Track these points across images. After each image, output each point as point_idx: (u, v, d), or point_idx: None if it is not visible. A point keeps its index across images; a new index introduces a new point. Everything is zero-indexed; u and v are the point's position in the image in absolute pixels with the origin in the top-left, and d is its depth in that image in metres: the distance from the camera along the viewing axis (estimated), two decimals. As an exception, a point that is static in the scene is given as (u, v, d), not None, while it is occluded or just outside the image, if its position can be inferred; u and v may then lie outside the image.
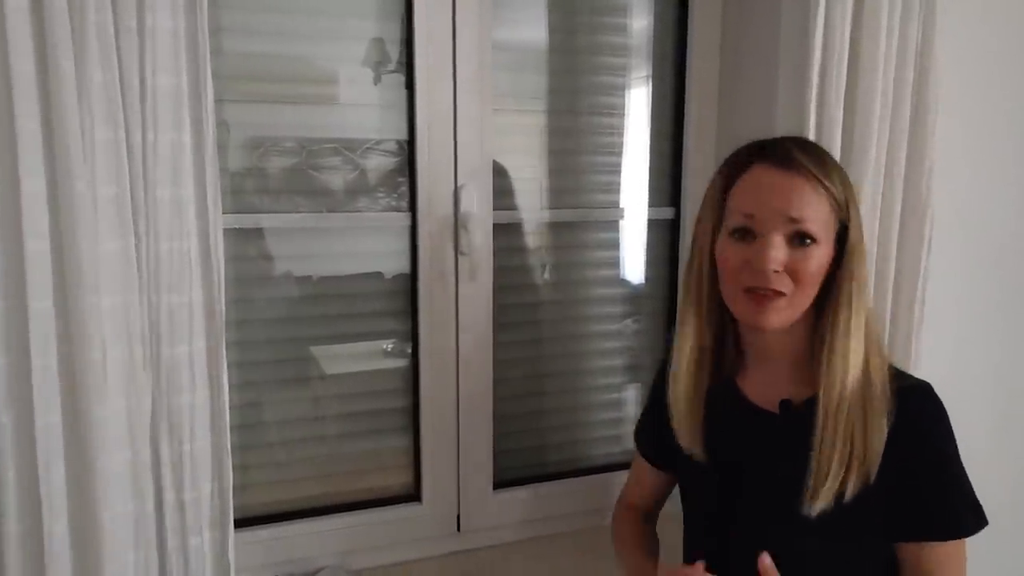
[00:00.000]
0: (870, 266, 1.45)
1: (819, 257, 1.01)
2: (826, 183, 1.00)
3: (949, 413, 1.05)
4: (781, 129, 1.43)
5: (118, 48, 0.98)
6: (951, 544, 1.03)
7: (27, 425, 0.99)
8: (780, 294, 1.01)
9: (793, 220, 0.99)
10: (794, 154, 1.02)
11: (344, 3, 1.45)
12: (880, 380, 1.03)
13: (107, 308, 1.01)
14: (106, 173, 1.00)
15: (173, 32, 1.02)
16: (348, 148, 1.48)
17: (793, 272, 1.00)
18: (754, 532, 1.11)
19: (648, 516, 1.41)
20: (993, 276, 1.81)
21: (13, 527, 1.01)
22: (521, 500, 1.67)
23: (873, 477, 1.00)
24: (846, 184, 1.04)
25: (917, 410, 1.03)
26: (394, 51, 1.49)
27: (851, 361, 1.02)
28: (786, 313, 1.02)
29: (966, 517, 1.04)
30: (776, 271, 1.00)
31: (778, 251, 0.99)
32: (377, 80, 1.50)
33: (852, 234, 1.03)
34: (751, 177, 1.03)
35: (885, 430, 1.00)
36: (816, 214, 1.00)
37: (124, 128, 1.00)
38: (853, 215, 1.03)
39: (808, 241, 1.00)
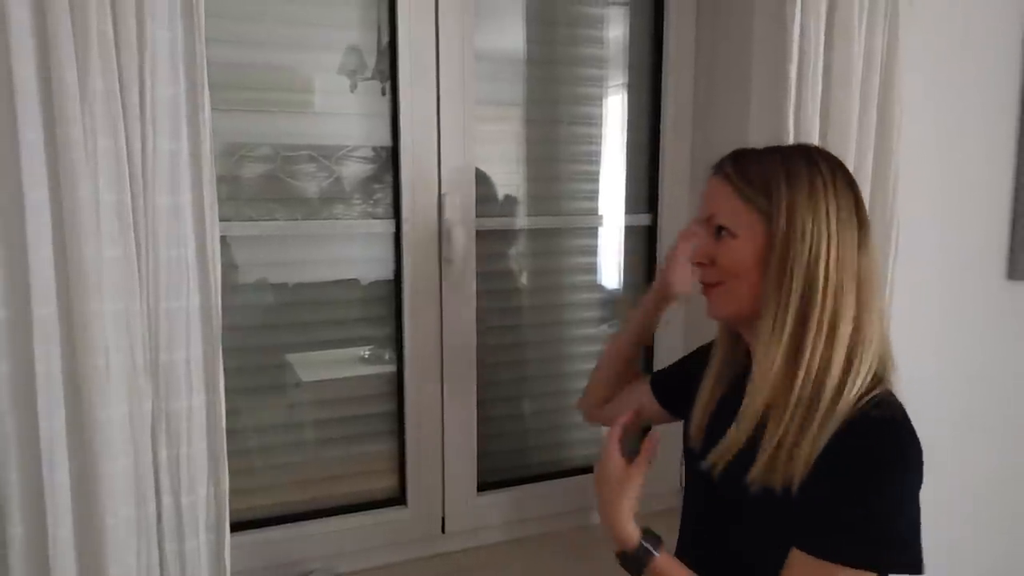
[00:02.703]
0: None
1: (736, 249, 1.06)
2: (738, 182, 1.07)
3: (913, 416, 1.03)
4: (754, 135, 1.48)
5: (118, 58, 0.99)
6: (813, 561, 0.99)
7: (31, 430, 1.00)
8: (716, 284, 1.09)
9: (710, 217, 1.09)
10: (724, 161, 1.10)
11: (322, 13, 1.47)
12: (829, 398, 1.01)
13: (109, 314, 1.02)
14: (107, 181, 1.01)
15: (171, 43, 1.04)
16: (325, 155, 1.50)
17: (715, 262, 1.08)
18: (700, 507, 1.19)
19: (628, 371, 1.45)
20: (958, 281, 1.85)
21: (17, 531, 1.02)
22: (504, 502, 1.69)
23: (796, 484, 1.00)
24: (772, 181, 1.04)
25: (856, 443, 0.99)
26: (375, 60, 1.51)
27: (771, 360, 1.03)
28: (724, 301, 1.10)
29: (841, 542, 0.98)
30: (702, 264, 1.10)
31: (699, 246, 1.11)
32: (353, 87, 1.51)
33: (773, 228, 1.03)
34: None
35: (816, 445, 0.99)
36: (724, 207, 1.07)
37: (124, 136, 1.01)
38: (779, 211, 1.03)
39: (723, 232, 1.07)
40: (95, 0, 0.96)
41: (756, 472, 1.03)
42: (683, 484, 1.30)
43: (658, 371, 1.44)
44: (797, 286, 1.02)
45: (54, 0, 0.94)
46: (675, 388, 1.34)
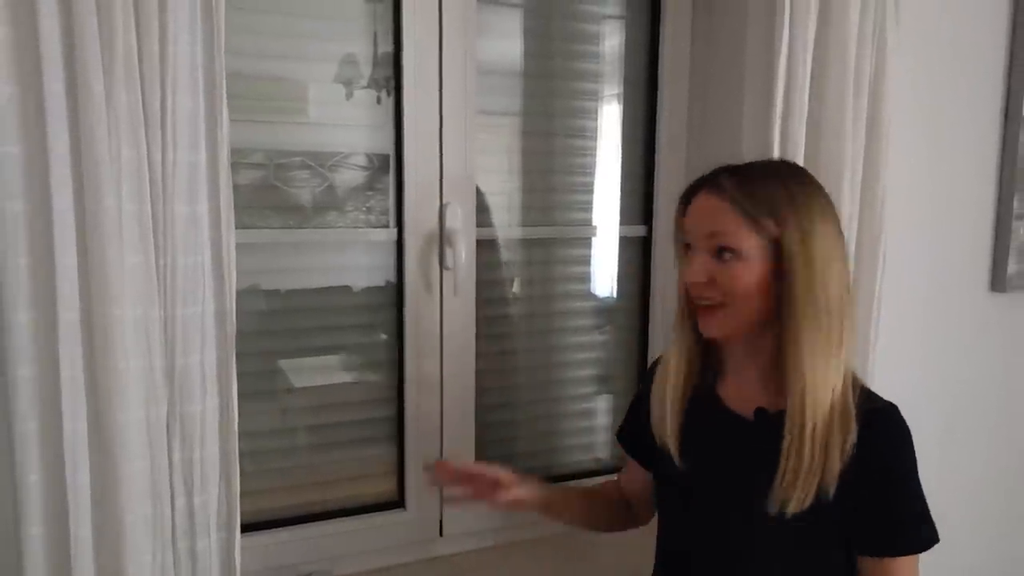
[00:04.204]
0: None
1: (743, 271, 1.06)
2: (743, 203, 1.06)
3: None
4: (747, 148, 1.50)
5: (141, 71, 1.02)
6: (906, 559, 1.10)
7: (55, 431, 1.02)
8: (717, 305, 1.09)
9: (711, 236, 1.08)
10: (721, 179, 1.10)
11: (319, 25, 1.50)
12: (843, 400, 1.08)
13: (130, 319, 1.05)
14: (129, 190, 1.04)
15: (191, 56, 1.06)
16: (320, 163, 1.52)
17: (719, 284, 1.08)
18: (718, 532, 1.18)
19: (620, 501, 1.45)
20: (942, 293, 1.90)
21: (37, 531, 1.04)
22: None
23: (831, 493, 1.05)
24: (778, 204, 1.07)
25: (880, 433, 1.08)
26: (371, 69, 1.54)
27: (810, 378, 1.06)
28: (725, 323, 1.10)
29: (921, 533, 1.10)
30: (703, 282, 1.08)
31: (700, 265, 1.09)
32: (349, 96, 1.54)
33: (787, 252, 1.06)
34: (693, 203, 1.13)
35: (845, 449, 1.05)
36: (730, 228, 1.06)
37: (146, 147, 1.04)
38: (790, 235, 1.06)
39: (727, 254, 1.07)
40: (121, 12, 0.99)
41: (790, 486, 1.06)
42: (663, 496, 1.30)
43: (621, 427, 1.43)
44: (823, 306, 1.07)
45: (82, 11, 0.97)
46: (639, 437, 1.35)
